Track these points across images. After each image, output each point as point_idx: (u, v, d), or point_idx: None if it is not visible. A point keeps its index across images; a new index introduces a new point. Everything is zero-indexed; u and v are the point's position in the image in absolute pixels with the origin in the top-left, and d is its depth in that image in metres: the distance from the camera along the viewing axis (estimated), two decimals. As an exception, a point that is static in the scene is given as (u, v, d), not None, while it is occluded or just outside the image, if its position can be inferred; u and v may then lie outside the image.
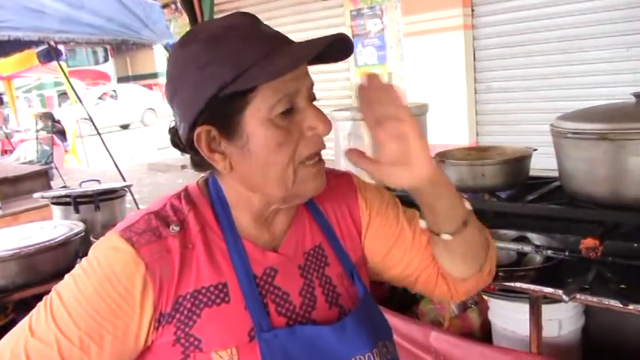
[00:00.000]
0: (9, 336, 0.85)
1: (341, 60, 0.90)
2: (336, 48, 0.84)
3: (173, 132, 0.93)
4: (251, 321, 0.87)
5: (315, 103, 0.89)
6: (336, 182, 1.05)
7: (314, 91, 0.89)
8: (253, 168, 0.86)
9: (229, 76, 0.80)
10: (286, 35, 0.86)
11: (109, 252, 0.86)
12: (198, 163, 0.92)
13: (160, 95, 17.83)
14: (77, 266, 0.88)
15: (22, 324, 0.85)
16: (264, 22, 0.88)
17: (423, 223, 0.99)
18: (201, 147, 0.86)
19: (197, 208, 0.92)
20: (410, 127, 0.80)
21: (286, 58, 0.80)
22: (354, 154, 0.84)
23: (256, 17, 0.88)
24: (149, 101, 19.36)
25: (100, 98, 16.96)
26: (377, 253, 1.05)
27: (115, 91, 17.99)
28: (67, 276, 0.88)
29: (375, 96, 0.82)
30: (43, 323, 0.83)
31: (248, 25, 0.85)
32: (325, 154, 0.93)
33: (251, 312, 0.87)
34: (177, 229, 0.88)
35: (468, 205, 0.96)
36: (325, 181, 0.91)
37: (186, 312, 0.86)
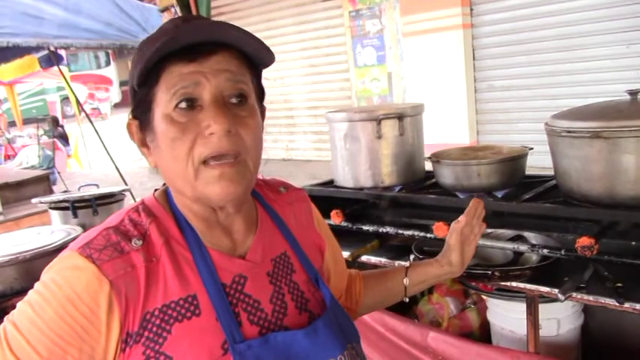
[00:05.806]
0: None
1: (268, 62, 0.91)
2: (254, 46, 0.85)
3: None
4: (224, 333, 0.83)
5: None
6: (296, 195, 1.10)
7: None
8: (164, 163, 0.86)
9: (138, 70, 0.83)
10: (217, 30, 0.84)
11: (68, 272, 0.80)
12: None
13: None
14: (30, 292, 0.82)
15: None
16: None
17: (406, 281, 1.24)
18: (133, 139, 0.90)
19: (158, 220, 0.88)
20: (476, 243, 1.26)
21: (156, 48, 0.80)
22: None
23: (191, 19, 0.88)
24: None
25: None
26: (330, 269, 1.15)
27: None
28: (19, 304, 0.82)
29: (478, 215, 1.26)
30: None
31: (175, 25, 0.86)
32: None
33: (222, 323, 0.84)
34: (140, 242, 0.84)
35: None
36: (238, 188, 0.85)
37: (155, 329, 0.81)
